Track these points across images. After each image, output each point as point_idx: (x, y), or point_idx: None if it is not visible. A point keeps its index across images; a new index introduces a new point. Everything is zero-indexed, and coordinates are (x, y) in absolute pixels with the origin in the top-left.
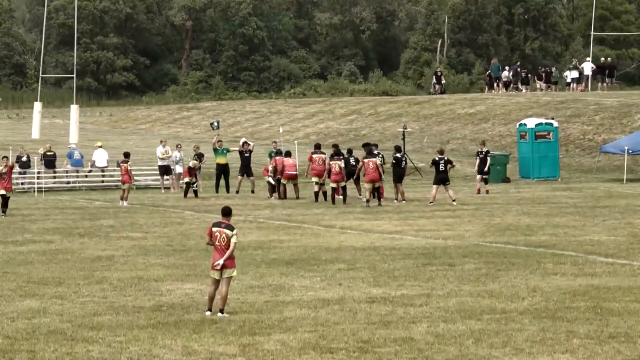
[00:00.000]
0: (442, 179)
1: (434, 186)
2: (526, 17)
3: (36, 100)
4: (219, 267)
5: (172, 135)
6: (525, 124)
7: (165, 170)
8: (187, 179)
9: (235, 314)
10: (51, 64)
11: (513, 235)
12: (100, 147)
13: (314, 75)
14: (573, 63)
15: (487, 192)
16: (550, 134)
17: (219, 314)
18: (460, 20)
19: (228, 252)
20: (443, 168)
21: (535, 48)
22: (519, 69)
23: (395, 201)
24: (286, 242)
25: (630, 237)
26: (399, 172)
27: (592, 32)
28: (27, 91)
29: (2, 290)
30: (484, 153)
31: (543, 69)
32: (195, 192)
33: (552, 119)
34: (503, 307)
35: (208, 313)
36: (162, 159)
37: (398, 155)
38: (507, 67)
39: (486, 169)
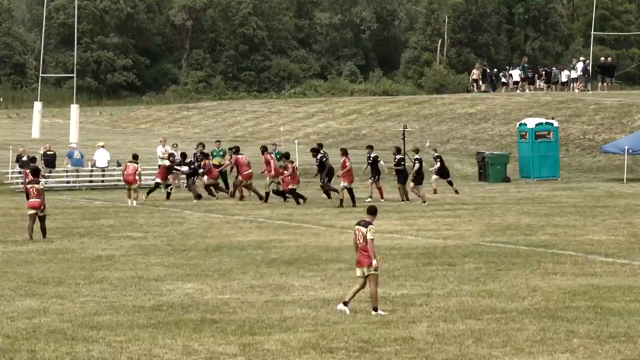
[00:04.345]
0: (421, 178)
1: (419, 186)
2: (526, 16)
3: (36, 100)
4: (375, 268)
5: (173, 135)
6: (525, 124)
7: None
8: (158, 180)
9: (235, 313)
10: (51, 64)
11: (513, 235)
12: (102, 147)
13: (314, 75)
14: (573, 63)
15: (457, 192)
16: (551, 134)
17: (373, 312)
18: (461, 20)
19: (370, 251)
20: (418, 167)
21: (536, 48)
22: (588, 67)
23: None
24: (286, 241)
25: (630, 236)
26: (404, 173)
27: (592, 32)
28: (27, 91)
29: (2, 289)
30: (414, 160)
31: (543, 69)
32: (169, 194)
33: (552, 118)
34: (503, 306)
35: (342, 306)
36: (163, 158)
37: (399, 156)
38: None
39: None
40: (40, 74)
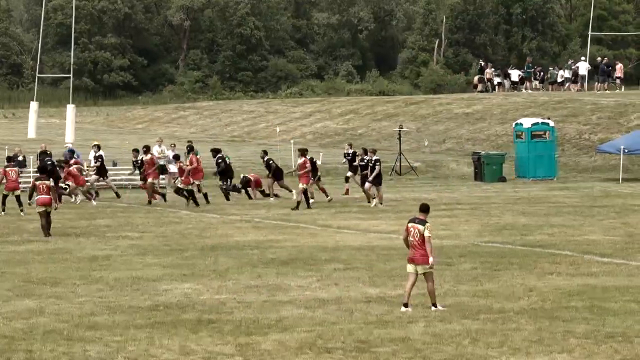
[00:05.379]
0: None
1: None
2: (524, 17)
3: (33, 100)
4: (432, 267)
5: (169, 134)
6: (521, 124)
7: (161, 169)
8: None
9: (232, 313)
10: (48, 64)
11: (510, 235)
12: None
13: (311, 75)
14: (569, 63)
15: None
16: (547, 134)
17: (432, 308)
18: (458, 20)
19: (428, 248)
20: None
21: (533, 48)
22: (607, 67)
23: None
24: (283, 241)
25: (626, 236)
26: (379, 175)
27: (589, 32)
28: (23, 91)
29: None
30: (372, 161)
31: (539, 69)
32: (97, 193)
33: (548, 118)
34: (500, 306)
35: (403, 309)
36: (159, 158)
37: (367, 157)
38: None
39: (371, 178)
40: (37, 74)
